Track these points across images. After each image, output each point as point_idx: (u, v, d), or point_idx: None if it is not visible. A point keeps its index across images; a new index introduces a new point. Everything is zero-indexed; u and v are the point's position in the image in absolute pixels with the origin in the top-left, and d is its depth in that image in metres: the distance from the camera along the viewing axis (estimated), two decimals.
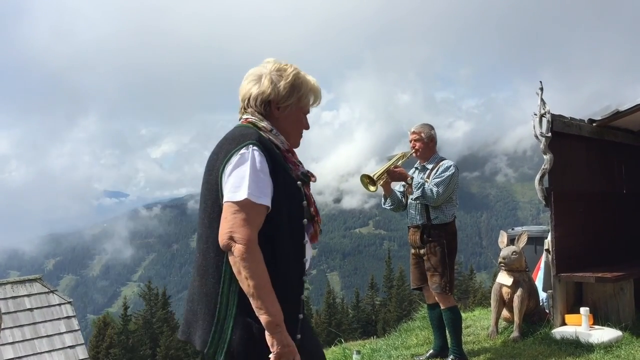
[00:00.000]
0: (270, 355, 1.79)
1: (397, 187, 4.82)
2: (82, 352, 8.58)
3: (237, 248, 1.77)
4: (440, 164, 4.59)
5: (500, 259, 5.42)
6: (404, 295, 47.17)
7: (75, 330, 8.72)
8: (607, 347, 4.71)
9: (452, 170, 4.50)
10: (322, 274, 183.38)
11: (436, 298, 4.63)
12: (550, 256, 5.61)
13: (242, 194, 1.81)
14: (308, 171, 2.10)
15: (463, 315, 6.30)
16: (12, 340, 7.95)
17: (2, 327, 7.45)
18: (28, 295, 8.60)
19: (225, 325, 1.85)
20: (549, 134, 5.47)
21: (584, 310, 5.16)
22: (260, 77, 2.05)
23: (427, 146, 4.66)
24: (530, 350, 4.79)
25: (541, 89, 5.55)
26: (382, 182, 4.51)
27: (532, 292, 5.45)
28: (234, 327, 1.84)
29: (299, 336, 1.94)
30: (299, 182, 2.01)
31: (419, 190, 4.43)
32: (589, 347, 4.72)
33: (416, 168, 4.83)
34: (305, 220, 2.01)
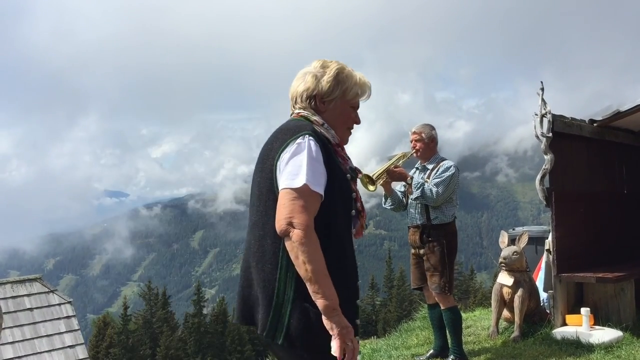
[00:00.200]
0: (333, 339, 1.82)
1: (398, 187, 4.82)
2: (82, 351, 8.58)
3: (296, 233, 1.81)
4: (441, 164, 4.58)
5: (500, 259, 5.42)
6: (405, 295, 47.16)
7: (75, 330, 8.71)
8: (608, 347, 4.70)
9: (452, 170, 4.49)
10: None
11: (436, 298, 4.62)
12: (551, 256, 5.61)
13: (300, 181, 1.86)
14: (356, 167, 2.18)
15: (464, 315, 6.29)
16: (12, 340, 7.95)
17: (2, 326, 7.45)
18: (28, 295, 8.60)
19: (283, 310, 1.89)
20: (550, 134, 5.46)
21: (584, 310, 5.15)
22: (305, 75, 2.14)
23: (427, 146, 4.65)
24: (530, 351, 4.79)
25: (542, 89, 5.54)
26: (381, 182, 4.51)
27: (532, 292, 5.44)
28: (292, 312, 1.88)
29: (358, 321, 2.00)
30: (348, 176, 2.07)
31: (419, 190, 4.43)
32: (590, 348, 4.72)
33: (417, 168, 4.82)
34: (353, 211, 2.08)
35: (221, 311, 46.37)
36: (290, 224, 1.82)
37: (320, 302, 1.81)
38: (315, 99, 2.12)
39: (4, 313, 7.90)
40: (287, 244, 1.85)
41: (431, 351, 4.89)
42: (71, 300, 9.19)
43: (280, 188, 1.91)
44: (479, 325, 6.09)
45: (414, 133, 4.69)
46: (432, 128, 4.71)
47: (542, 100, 5.52)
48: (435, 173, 4.53)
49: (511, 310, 5.38)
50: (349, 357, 1.83)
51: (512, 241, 5.65)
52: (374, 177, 4.45)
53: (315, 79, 2.12)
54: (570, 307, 5.53)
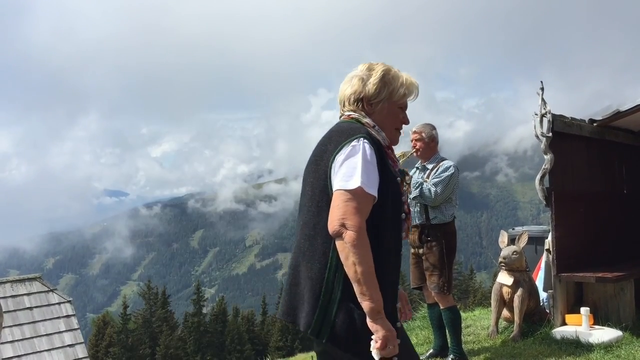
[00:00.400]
0: (374, 340, 1.84)
1: None
2: (81, 350, 8.58)
3: (349, 234, 1.84)
4: (441, 164, 4.58)
5: (500, 259, 5.42)
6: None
7: (75, 329, 8.72)
8: (608, 347, 4.70)
9: (451, 170, 4.49)
10: None
11: (435, 298, 4.62)
12: (550, 256, 5.61)
13: (354, 183, 1.89)
14: (405, 169, 2.23)
15: (463, 315, 6.29)
16: (11, 339, 7.95)
17: (2, 325, 7.46)
18: (28, 294, 8.60)
19: (330, 309, 1.92)
20: (550, 134, 5.46)
21: (584, 310, 5.16)
22: (352, 78, 2.18)
23: (428, 146, 4.65)
24: (530, 350, 4.79)
25: (542, 89, 5.54)
26: None
27: (532, 292, 5.44)
28: (338, 311, 1.91)
29: (399, 324, 2.04)
30: (398, 179, 2.10)
31: (417, 190, 4.43)
32: (589, 347, 4.72)
33: (417, 168, 4.82)
34: (403, 215, 2.11)
35: (221, 311, 46.38)
36: (343, 226, 1.85)
37: (366, 304, 1.84)
38: (363, 102, 2.15)
39: (4, 312, 7.90)
40: (339, 245, 1.87)
41: (431, 350, 4.89)
42: (71, 299, 9.20)
43: (334, 189, 1.94)
44: (479, 324, 6.10)
45: (415, 132, 4.69)
46: (433, 128, 4.71)
47: (542, 99, 5.52)
48: (435, 173, 4.53)
49: (511, 310, 5.38)
50: (382, 354, 1.85)
51: (512, 241, 5.65)
52: None
53: (361, 82, 2.15)
54: (569, 306, 5.53)
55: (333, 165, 1.97)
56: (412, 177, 4.57)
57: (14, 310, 8.28)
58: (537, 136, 5.52)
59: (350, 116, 2.16)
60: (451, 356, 4.57)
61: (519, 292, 5.26)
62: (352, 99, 2.16)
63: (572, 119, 5.90)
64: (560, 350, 4.71)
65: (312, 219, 2.03)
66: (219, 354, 43.31)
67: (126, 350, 41.09)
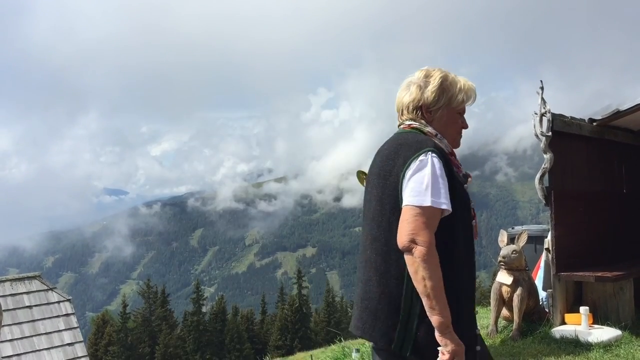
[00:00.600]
0: (441, 352, 1.88)
1: None
2: (80, 349, 8.58)
3: (418, 250, 1.86)
4: None
5: (500, 258, 5.42)
6: None
7: (74, 328, 8.71)
8: (607, 346, 4.70)
9: None
10: (321, 273, 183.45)
11: None
12: (550, 255, 5.61)
13: (423, 199, 1.91)
14: (467, 172, 2.21)
15: None
16: (10, 338, 7.95)
17: (2, 324, 7.45)
18: (27, 293, 8.59)
19: (410, 324, 1.94)
20: (550, 133, 5.46)
21: (583, 309, 5.16)
22: (410, 86, 2.17)
23: None
24: (529, 349, 4.79)
25: (542, 88, 5.54)
26: None
27: (531, 291, 5.44)
28: (419, 326, 1.93)
29: (477, 331, 2.07)
30: (466, 185, 2.13)
31: None
32: (589, 346, 4.72)
33: None
34: (474, 221, 2.13)
35: (220, 309, 46.38)
36: (413, 241, 1.87)
37: (435, 319, 1.87)
38: (422, 110, 2.15)
39: (3, 310, 7.90)
40: (408, 260, 1.89)
41: None
42: (70, 298, 9.19)
43: (404, 204, 1.95)
44: (478, 323, 6.09)
45: None
46: None
47: (542, 99, 5.52)
48: None
49: (510, 309, 5.38)
50: None
51: (512, 240, 5.65)
52: None
53: (419, 90, 2.14)
54: (569, 306, 5.53)
55: (403, 180, 1.98)
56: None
57: (14, 309, 8.27)
58: (536, 135, 5.52)
59: (411, 126, 2.15)
60: None
61: (519, 291, 5.26)
62: (410, 107, 2.16)
63: (572, 118, 5.90)
64: (560, 350, 4.71)
65: (384, 235, 2.03)
66: (219, 353, 43.32)
67: (125, 349, 41.10)
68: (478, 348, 1.99)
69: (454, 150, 2.21)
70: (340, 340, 6.96)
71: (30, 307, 8.46)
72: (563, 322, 5.38)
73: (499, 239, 5.68)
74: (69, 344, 8.44)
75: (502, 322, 5.65)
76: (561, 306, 5.48)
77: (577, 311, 5.23)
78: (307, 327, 46.14)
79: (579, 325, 5.10)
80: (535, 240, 6.71)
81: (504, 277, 5.39)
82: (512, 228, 7.30)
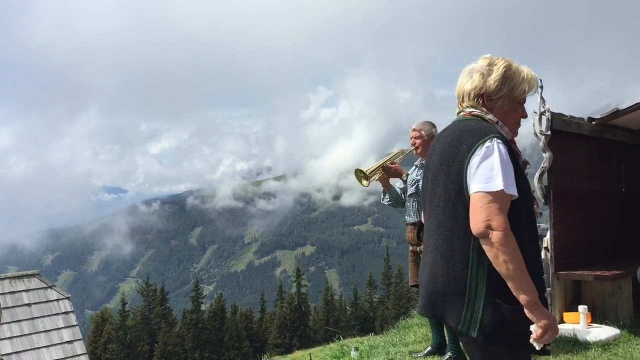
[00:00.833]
0: (536, 329, 1.94)
1: (398, 183, 4.82)
2: (79, 347, 8.59)
3: (495, 235, 1.92)
4: None
5: None
6: (403, 292, 47.23)
7: (73, 326, 8.72)
8: (605, 345, 4.71)
9: None
10: (320, 271, 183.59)
11: None
12: (548, 254, 5.61)
13: (495, 185, 1.96)
14: (525, 159, 2.24)
15: None
16: (10, 335, 7.96)
17: (1, 322, 7.45)
18: (26, 291, 8.60)
19: (476, 305, 2.01)
20: (549, 132, 5.46)
21: (582, 308, 5.16)
22: (472, 73, 2.20)
23: (427, 144, 4.64)
24: None
25: (541, 87, 5.54)
26: (377, 178, 4.53)
27: None
28: (485, 307, 2.00)
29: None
30: (526, 171, 2.18)
31: (414, 187, 4.43)
32: (587, 345, 4.73)
33: (416, 166, 4.82)
34: (535, 206, 2.19)
35: (219, 308, 46.41)
36: (489, 227, 1.92)
37: (522, 298, 1.93)
38: (483, 97, 2.18)
39: (3, 308, 7.90)
40: (485, 245, 1.95)
41: (429, 348, 4.90)
42: (69, 296, 9.20)
43: (473, 191, 2.00)
44: None
45: (414, 130, 4.69)
46: (433, 126, 4.71)
47: (541, 98, 5.52)
48: None
49: None
50: (547, 344, 1.98)
51: None
52: (368, 173, 4.47)
53: (482, 78, 2.17)
54: (567, 304, 5.54)
55: (468, 167, 2.03)
56: (408, 174, 4.57)
57: (13, 307, 8.28)
58: (535, 134, 5.52)
59: (472, 113, 2.18)
60: (449, 353, 4.58)
61: None
62: (472, 95, 2.18)
63: (571, 117, 5.90)
64: (558, 349, 4.72)
65: (449, 220, 2.09)
66: (217, 351, 43.35)
67: (124, 346, 41.13)
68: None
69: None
70: (339, 339, 6.97)
71: (29, 304, 8.47)
72: (561, 321, 5.38)
73: None
74: (68, 342, 8.45)
75: None
76: (560, 305, 5.48)
77: (576, 310, 5.23)
78: (305, 326, 46.19)
79: (577, 324, 5.11)
80: None
81: None
82: None
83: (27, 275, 8.89)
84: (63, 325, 8.59)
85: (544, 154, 5.49)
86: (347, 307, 51.67)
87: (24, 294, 8.55)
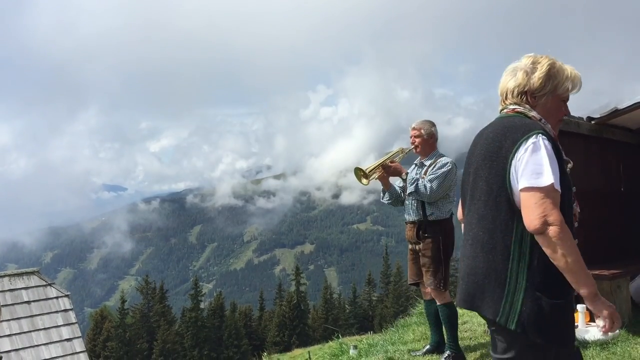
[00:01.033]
0: (601, 321, 2.03)
1: (398, 182, 4.82)
2: (79, 345, 8.59)
3: (553, 230, 1.95)
4: (438, 160, 4.58)
5: None
6: (401, 291, 47.26)
7: (73, 323, 8.72)
8: (603, 344, 4.72)
9: (448, 167, 4.49)
10: (319, 270, 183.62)
11: (431, 294, 4.64)
12: None
13: (545, 180, 1.99)
14: (567, 158, 2.27)
15: (460, 311, 6.30)
16: (9, 333, 7.95)
17: (1, 319, 7.46)
18: (25, 288, 8.60)
19: (516, 298, 2.04)
20: None
21: (580, 307, 5.16)
22: (515, 71, 2.24)
23: (426, 142, 4.65)
24: None
25: None
26: (376, 176, 4.53)
27: None
28: (524, 300, 2.03)
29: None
30: (568, 169, 2.20)
31: (413, 186, 4.44)
32: (585, 345, 4.73)
33: (415, 164, 4.83)
34: (575, 204, 2.22)
35: (218, 306, 46.44)
36: (546, 222, 1.95)
37: (583, 291, 1.99)
38: (527, 95, 2.21)
39: (2, 306, 7.91)
40: (542, 241, 1.98)
41: (427, 346, 4.90)
42: (69, 293, 9.20)
43: (522, 186, 2.02)
44: (475, 321, 6.11)
45: (414, 129, 4.69)
46: (432, 125, 4.71)
47: None
48: (432, 169, 4.53)
49: None
50: (611, 331, 2.05)
51: None
52: (367, 172, 4.47)
53: (526, 75, 2.20)
54: None
55: (513, 162, 2.05)
56: (407, 172, 4.58)
57: (12, 304, 8.28)
58: None
59: (516, 110, 2.22)
60: (448, 352, 4.59)
61: None
62: (515, 92, 2.22)
63: (570, 116, 5.89)
64: None
65: (491, 213, 2.12)
66: (217, 349, 43.38)
67: (124, 344, 41.13)
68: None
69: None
70: (337, 337, 6.98)
71: (28, 302, 8.47)
72: None
73: None
74: (67, 340, 8.45)
75: None
76: None
77: (574, 309, 5.24)
78: (304, 324, 46.22)
79: (575, 323, 5.12)
80: None
81: None
82: None
83: (27, 273, 8.89)
84: (62, 323, 8.59)
85: None
86: (346, 306, 51.70)
87: (23, 291, 8.55)
